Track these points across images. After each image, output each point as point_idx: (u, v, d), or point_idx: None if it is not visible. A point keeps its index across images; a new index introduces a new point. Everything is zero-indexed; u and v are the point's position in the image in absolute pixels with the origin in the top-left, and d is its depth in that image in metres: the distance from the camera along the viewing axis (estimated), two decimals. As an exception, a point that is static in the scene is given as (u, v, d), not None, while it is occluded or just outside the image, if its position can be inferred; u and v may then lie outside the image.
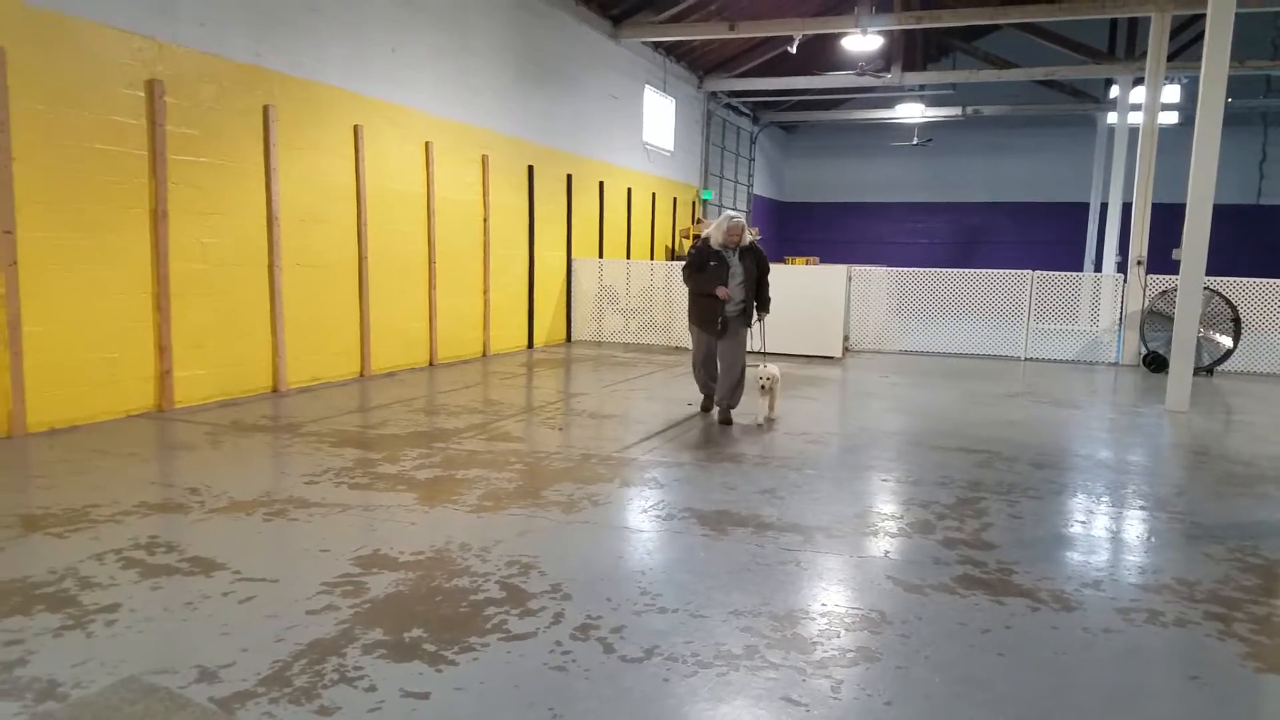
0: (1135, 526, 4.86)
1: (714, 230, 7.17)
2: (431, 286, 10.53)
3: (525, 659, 3.01)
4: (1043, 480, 5.79)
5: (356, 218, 9.24)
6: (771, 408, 7.45)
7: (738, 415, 7.48)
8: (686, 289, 7.47)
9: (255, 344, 8.08)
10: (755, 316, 7.40)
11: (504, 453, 6.10)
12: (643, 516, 4.74)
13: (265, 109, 7.95)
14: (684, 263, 7.39)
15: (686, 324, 7.76)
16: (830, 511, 4.93)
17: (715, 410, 7.58)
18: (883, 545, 4.37)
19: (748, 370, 7.49)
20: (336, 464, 5.62)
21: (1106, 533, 4.76)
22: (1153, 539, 4.64)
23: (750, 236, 7.24)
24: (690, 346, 7.83)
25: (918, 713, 2.75)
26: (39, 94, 6.09)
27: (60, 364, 6.36)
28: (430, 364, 10.61)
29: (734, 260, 7.14)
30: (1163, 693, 2.95)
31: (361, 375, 9.45)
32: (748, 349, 7.46)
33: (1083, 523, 4.92)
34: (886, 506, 5.07)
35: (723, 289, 7.05)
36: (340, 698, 2.67)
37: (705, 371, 7.52)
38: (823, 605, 3.59)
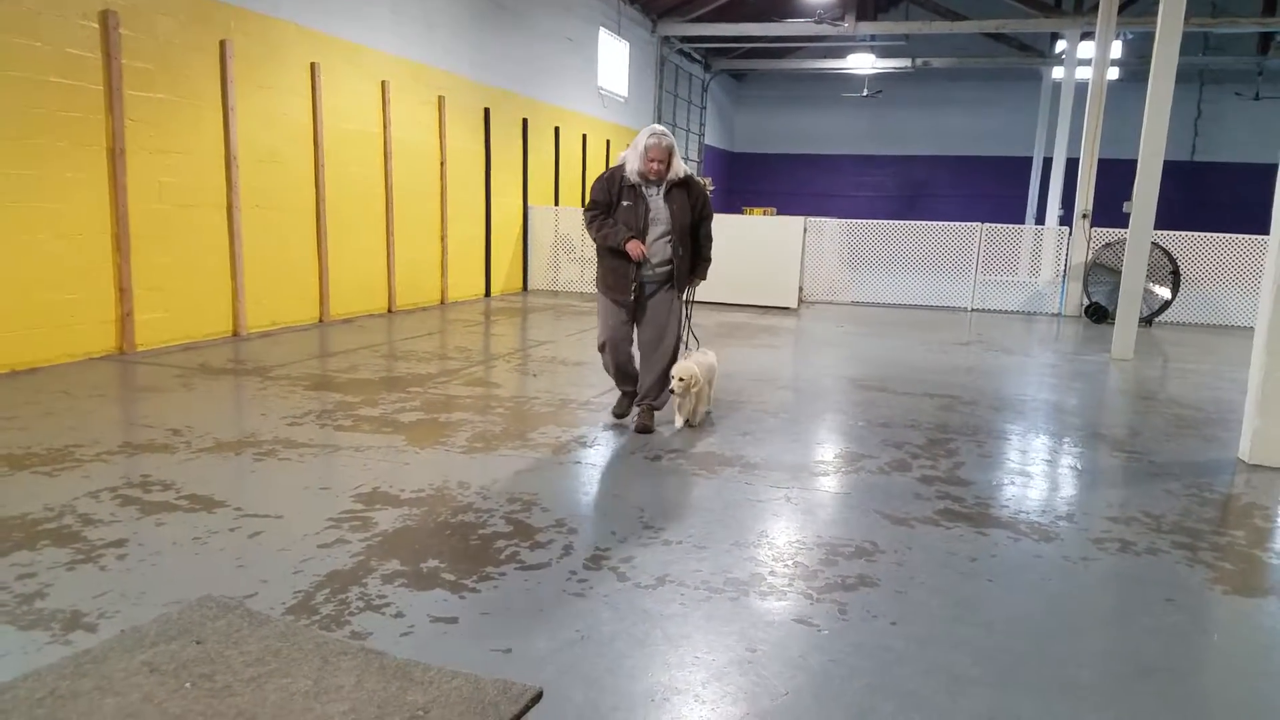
0: (1097, 465, 5.11)
1: (630, 153, 5.02)
2: (389, 232, 10.36)
3: (544, 586, 3.09)
4: (1004, 422, 6.02)
5: (314, 159, 9.01)
6: (692, 414, 5.38)
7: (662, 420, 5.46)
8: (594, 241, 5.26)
9: (215, 287, 7.89)
10: (688, 282, 5.34)
11: (482, 397, 6.11)
12: (632, 457, 4.82)
13: (222, 44, 7.67)
14: (589, 202, 5.18)
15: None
16: (810, 452, 5.08)
17: (637, 418, 5.38)
18: (865, 481, 4.54)
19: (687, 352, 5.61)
20: (315, 407, 5.58)
21: (1072, 471, 4.99)
22: (1116, 476, 4.89)
23: (683, 166, 5.11)
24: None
25: (922, 631, 2.90)
26: (-12, 20, 5.80)
27: (19, 305, 6.15)
28: (389, 311, 10.48)
29: (656, 199, 5.04)
30: (1145, 612, 3.15)
31: (320, 321, 9.30)
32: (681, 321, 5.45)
33: (1048, 461, 5.15)
34: (862, 447, 5.23)
35: (635, 244, 4.97)
36: (370, 623, 2.71)
37: (614, 359, 5.35)
38: (818, 536, 3.73)
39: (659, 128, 4.96)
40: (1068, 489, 4.63)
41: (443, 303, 11.63)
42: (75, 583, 2.94)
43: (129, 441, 4.64)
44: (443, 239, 11.52)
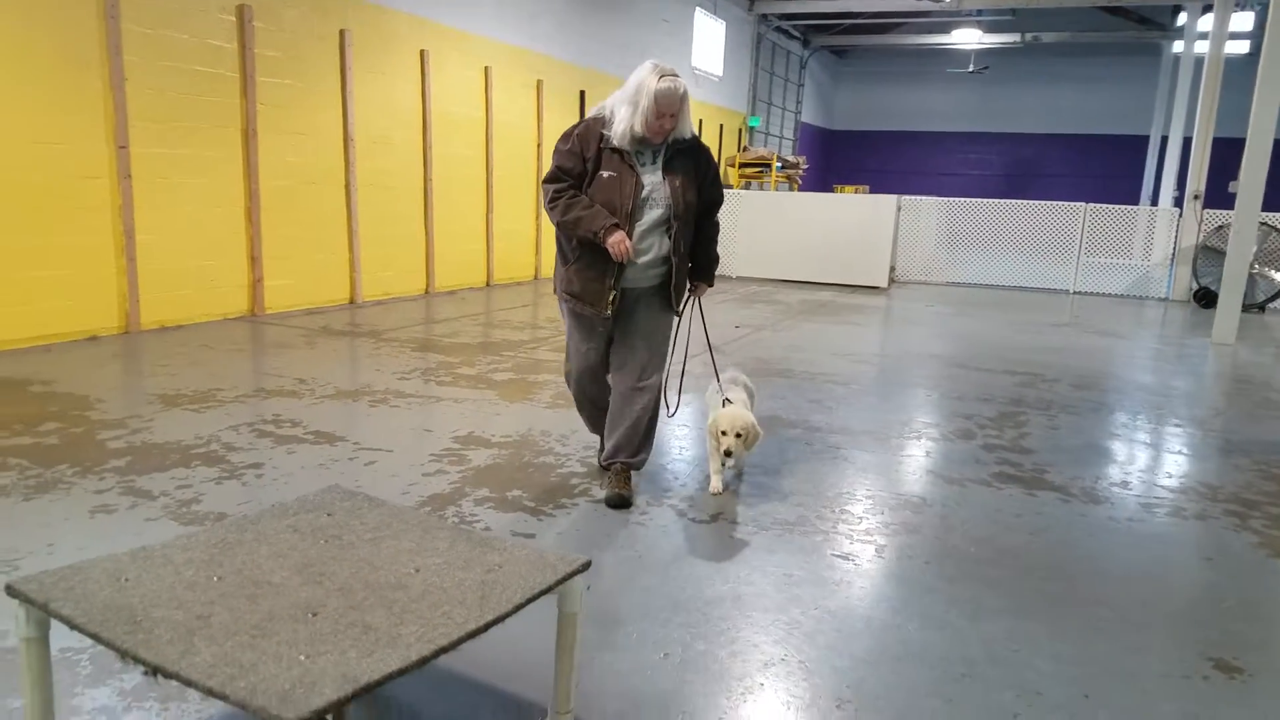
0: (1167, 440, 5.19)
1: (620, 104, 3.42)
2: (489, 209, 10.94)
3: (611, 517, 3.51)
4: (1082, 399, 6.11)
5: (422, 141, 9.63)
6: (738, 474, 4.08)
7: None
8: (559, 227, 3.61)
9: (334, 258, 8.61)
10: (687, 291, 3.81)
11: (571, 360, 6.58)
12: (700, 417, 5.18)
13: (341, 34, 8.32)
14: (549, 171, 3.55)
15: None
16: (875, 419, 5.33)
17: (609, 481, 3.74)
18: (925, 447, 4.78)
19: (677, 399, 4.27)
20: (422, 365, 6.16)
21: (1139, 444, 5.09)
22: (1183, 451, 4.97)
23: (692, 123, 3.55)
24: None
25: (955, 571, 3.19)
26: (145, 17, 6.54)
27: (167, 269, 6.94)
28: (487, 284, 11.08)
29: (653, 171, 3.52)
30: (1178, 568, 3.34)
31: (426, 292, 9.96)
32: (673, 343, 3.85)
33: (1117, 435, 5.25)
34: (930, 416, 5.45)
35: (620, 238, 3.38)
36: (462, 537, 3.19)
37: (589, 396, 3.84)
38: (868, 490, 4.02)
39: (666, 66, 3.39)
40: (1129, 460, 4.75)
41: (536, 278, 12.19)
42: (222, 493, 3.54)
43: (262, 387, 5.31)
44: (538, 217, 12.06)
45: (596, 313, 3.56)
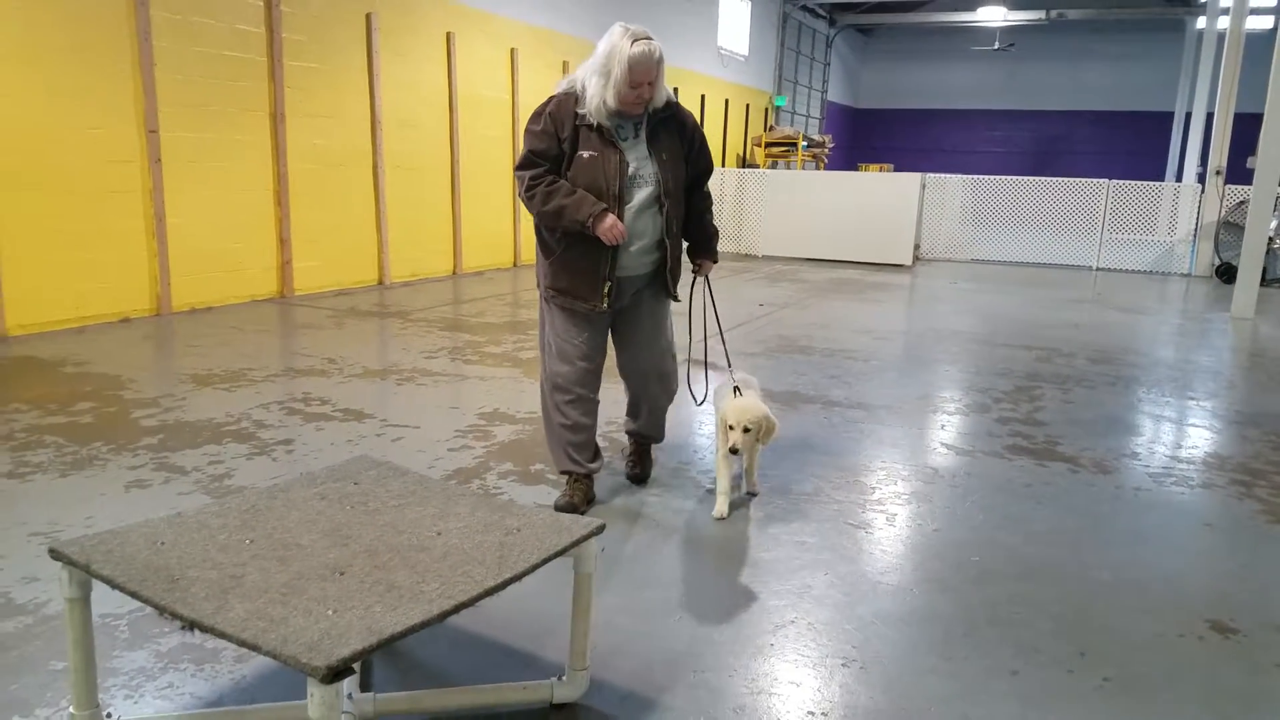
0: (1179, 413, 5.22)
1: (591, 75, 3.10)
2: (516, 192, 11.01)
3: (630, 489, 3.62)
4: (1099, 373, 6.13)
5: (449, 123, 9.73)
6: (750, 472, 3.63)
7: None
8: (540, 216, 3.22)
9: (362, 240, 8.76)
10: (700, 270, 3.58)
11: (592, 339, 6.69)
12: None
13: (368, 16, 8.42)
14: (521, 157, 3.22)
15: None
16: (893, 394, 5.39)
17: (629, 457, 3.81)
18: (940, 420, 4.84)
19: (704, 388, 4.09)
20: (448, 344, 6.30)
21: (1151, 417, 5.12)
22: (1194, 423, 5.00)
23: (668, 88, 3.22)
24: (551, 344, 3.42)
25: (962, 537, 3.26)
26: (173, 3, 6.69)
27: (197, 252, 7.12)
28: (514, 265, 11.20)
29: (636, 145, 3.21)
30: (1178, 533, 3.41)
31: (454, 273, 10.09)
32: (675, 330, 3.72)
33: (1130, 408, 5.28)
34: (946, 391, 5.51)
35: (612, 221, 3.09)
36: (485, 507, 3.31)
37: (578, 407, 3.36)
38: (882, 462, 4.10)
39: (637, 27, 3.05)
40: (1141, 433, 4.79)
41: (563, 258, 12.25)
42: (253, 468, 3.69)
43: (291, 367, 5.47)
44: (564, 197, 12.11)
45: (591, 308, 3.24)
